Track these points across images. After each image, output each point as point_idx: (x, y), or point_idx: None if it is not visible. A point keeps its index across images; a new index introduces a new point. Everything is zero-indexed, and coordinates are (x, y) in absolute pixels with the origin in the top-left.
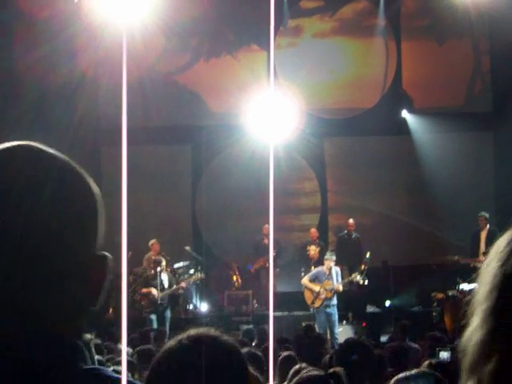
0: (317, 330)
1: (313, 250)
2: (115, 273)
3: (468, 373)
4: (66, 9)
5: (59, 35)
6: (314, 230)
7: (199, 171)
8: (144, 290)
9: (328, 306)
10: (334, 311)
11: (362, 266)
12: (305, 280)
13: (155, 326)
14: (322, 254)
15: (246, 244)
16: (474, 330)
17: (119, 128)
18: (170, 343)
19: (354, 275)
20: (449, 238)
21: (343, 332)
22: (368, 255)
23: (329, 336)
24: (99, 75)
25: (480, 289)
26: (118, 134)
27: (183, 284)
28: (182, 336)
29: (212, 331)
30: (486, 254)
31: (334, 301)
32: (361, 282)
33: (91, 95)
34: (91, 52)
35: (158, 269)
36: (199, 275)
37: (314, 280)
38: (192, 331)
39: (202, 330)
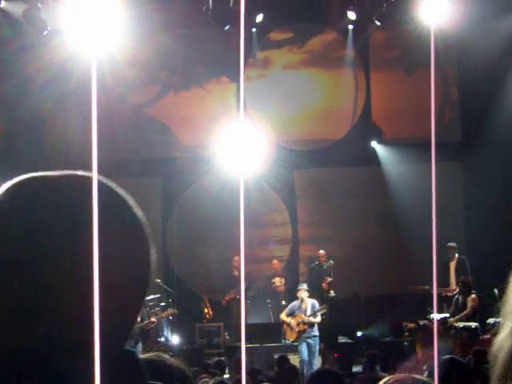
0: (296, 359)
1: (278, 282)
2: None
3: (500, 381)
4: (35, 41)
5: (29, 67)
6: (276, 262)
7: (170, 204)
8: None
9: (309, 337)
10: (315, 342)
11: (323, 285)
12: (282, 315)
13: None
14: (287, 284)
15: (217, 276)
16: (505, 339)
17: (88, 161)
18: None
19: (320, 307)
20: (419, 268)
21: (317, 363)
22: (332, 262)
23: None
24: (68, 107)
25: (510, 299)
26: (88, 166)
27: (153, 319)
28: None
29: (160, 355)
30: (459, 283)
31: (316, 332)
32: (321, 312)
33: (60, 128)
34: (61, 84)
35: None
36: (172, 310)
37: (290, 314)
38: (140, 356)
39: (149, 355)
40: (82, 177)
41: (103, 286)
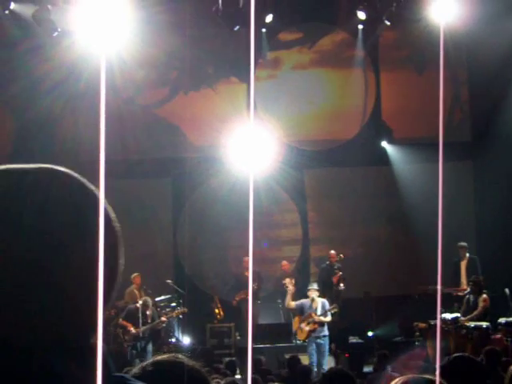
0: (307, 360)
1: (288, 283)
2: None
3: None
4: (45, 42)
5: (39, 68)
6: (285, 263)
7: (180, 204)
8: (123, 323)
9: (318, 337)
10: (325, 342)
11: (334, 278)
12: (290, 303)
13: (137, 360)
14: (297, 284)
15: (228, 276)
16: None
17: (98, 161)
18: (134, 371)
19: (332, 306)
20: (430, 267)
21: (326, 363)
22: (342, 256)
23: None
24: (78, 108)
25: None
26: (98, 166)
27: (164, 318)
28: (147, 362)
29: (178, 357)
30: (470, 283)
31: (325, 332)
32: (333, 311)
33: (70, 128)
34: (70, 85)
35: (140, 302)
36: (181, 309)
37: (298, 310)
38: (158, 357)
39: (167, 356)
40: (57, 171)
41: (69, 281)
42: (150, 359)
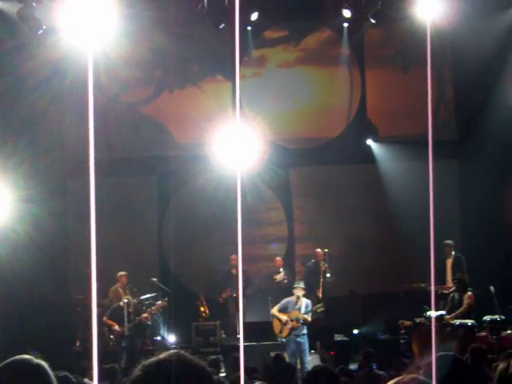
0: (287, 359)
1: (279, 277)
2: (84, 305)
3: None
4: (30, 40)
5: (24, 66)
6: (279, 259)
7: (165, 202)
8: (108, 321)
9: (298, 335)
10: (305, 340)
11: (323, 267)
12: (274, 310)
13: (124, 357)
14: (288, 279)
15: (213, 274)
16: None
17: (83, 159)
18: (136, 372)
19: (317, 306)
20: (415, 265)
21: (311, 361)
22: (326, 250)
23: (299, 365)
24: (64, 106)
25: None
26: (83, 165)
27: (145, 314)
28: (150, 362)
29: (181, 354)
30: (455, 281)
31: (304, 330)
32: (319, 310)
33: (56, 126)
34: (56, 83)
35: (125, 300)
36: (161, 303)
37: (283, 310)
38: (160, 356)
39: (169, 354)
40: None
41: None
42: (154, 358)
